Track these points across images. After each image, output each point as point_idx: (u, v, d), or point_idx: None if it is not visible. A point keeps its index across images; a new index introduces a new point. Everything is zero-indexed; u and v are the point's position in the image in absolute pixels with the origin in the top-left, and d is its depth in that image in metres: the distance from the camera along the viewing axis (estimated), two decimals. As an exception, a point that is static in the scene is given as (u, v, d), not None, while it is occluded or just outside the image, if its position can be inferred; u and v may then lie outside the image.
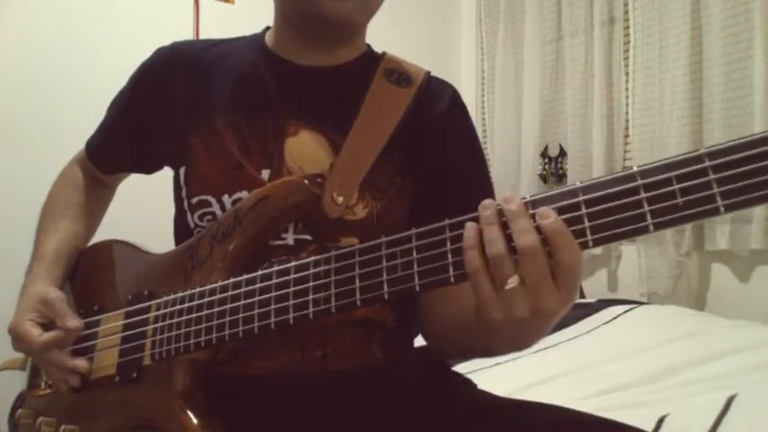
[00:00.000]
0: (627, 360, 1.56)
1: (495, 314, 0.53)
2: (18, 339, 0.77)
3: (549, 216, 0.50)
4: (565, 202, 0.50)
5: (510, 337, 0.58)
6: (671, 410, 1.20)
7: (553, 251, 0.50)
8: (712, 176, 0.45)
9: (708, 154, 0.46)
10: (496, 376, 1.45)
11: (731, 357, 1.51)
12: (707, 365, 1.48)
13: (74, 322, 0.77)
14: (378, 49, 0.88)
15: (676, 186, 0.46)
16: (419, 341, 0.87)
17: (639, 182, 0.47)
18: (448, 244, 0.54)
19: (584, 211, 0.49)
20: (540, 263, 0.50)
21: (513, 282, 0.50)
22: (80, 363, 0.76)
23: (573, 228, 0.50)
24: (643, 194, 0.47)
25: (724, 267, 2.16)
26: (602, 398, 1.33)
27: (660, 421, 1.16)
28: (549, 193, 0.51)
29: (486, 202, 0.53)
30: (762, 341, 1.59)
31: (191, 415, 0.68)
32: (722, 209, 0.45)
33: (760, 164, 0.44)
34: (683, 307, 2.06)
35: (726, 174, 0.45)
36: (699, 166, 0.46)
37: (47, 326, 0.77)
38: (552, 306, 0.51)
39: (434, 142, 0.81)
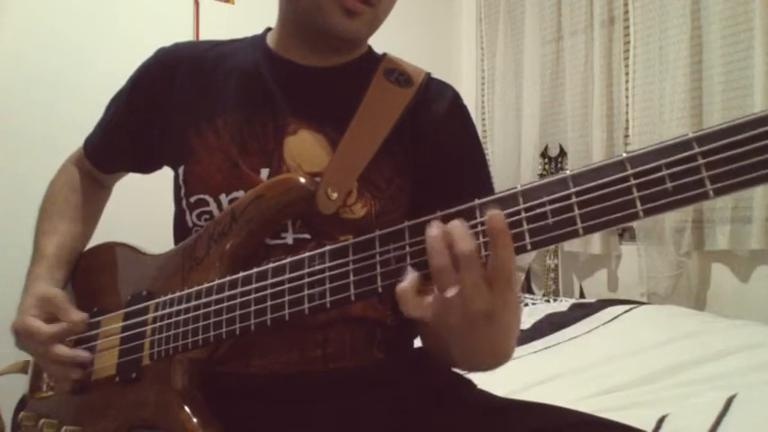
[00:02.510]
0: (627, 360, 1.56)
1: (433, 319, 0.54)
2: (23, 334, 0.78)
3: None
4: (555, 192, 0.50)
5: (463, 346, 0.61)
6: (671, 410, 1.20)
7: (491, 249, 0.51)
8: (701, 161, 0.45)
9: (696, 139, 0.46)
10: (496, 376, 1.44)
11: (731, 357, 1.51)
12: (707, 365, 1.48)
13: (78, 315, 0.78)
14: (378, 49, 0.88)
15: (665, 172, 0.46)
16: (419, 341, 0.88)
17: (629, 169, 0.48)
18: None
19: (574, 200, 0.49)
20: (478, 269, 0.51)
21: (452, 290, 0.52)
22: (84, 353, 0.77)
23: (563, 216, 0.50)
24: (633, 181, 0.47)
25: (724, 267, 2.16)
26: (602, 398, 1.33)
27: (660, 421, 1.16)
28: (540, 183, 0.51)
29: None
30: (761, 341, 1.59)
31: (190, 414, 0.68)
32: (711, 193, 0.45)
33: (747, 147, 0.44)
34: (682, 307, 2.07)
35: (714, 158, 0.45)
36: (688, 153, 0.46)
37: (49, 322, 0.78)
38: (482, 306, 0.52)
39: (434, 142, 0.81)
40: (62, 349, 0.76)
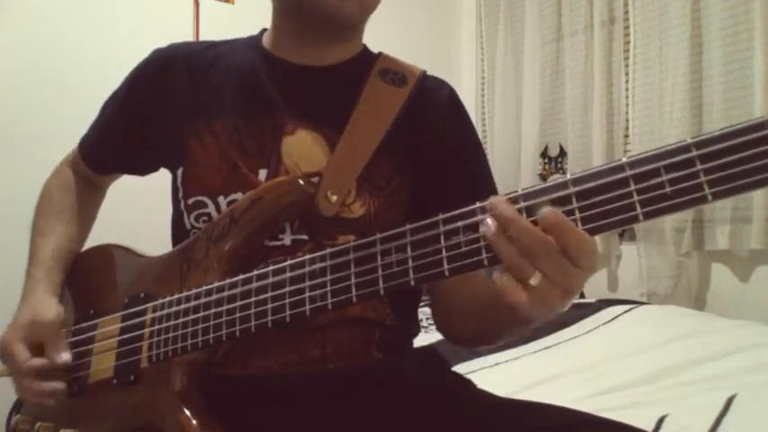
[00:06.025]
0: (627, 360, 1.56)
1: (532, 305, 0.52)
2: (6, 355, 0.78)
3: (546, 215, 0.49)
4: (556, 195, 0.50)
5: (535, 318, 0.57)
6: (671, 410, 1.19)
7: (565, 248, 0.49)
8: (699, 166, 0.46)
9: (695, 144, 0.46)
10: (496, 376, 1.45)
11: (731, 357, 1.50)
12: (707, 365, 1.48)
13: (63, 357, 0.77)
14: (378, 48, 0.88)
15: (665, 177, 0.47)
16: (419, 341, 0.87)
17: (629, 172, 0.48)
18: (442, 239, 0.55)
19: (575, 204, 0.50)
20: (554, 257, 0.49)
21: (535, 278, 0.50)
22: (57, 386, 0.76)
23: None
24: (633, 185, 0.48)
25: (724, 267, 2.16)
26: (602, 398, 1.32)
27: (660, 421, 1.15)
28: (540, 186, 0.51)
29: (492, 204, 0.51)
30: (761, 341, 1.58)
31: (189, 416, 0.68)
32: (710, 197, 0.45)
33: (745, 153, 0.44)
34: (682, 307, 2.06)
35: (712, 163, 0.46)
36: (686, 156, 0.46)
37: (36, 347, 0.77)
38: (579, 283, 0.51)
39: (432, 140, 0.81)
40: (38, 385, 0.75)
